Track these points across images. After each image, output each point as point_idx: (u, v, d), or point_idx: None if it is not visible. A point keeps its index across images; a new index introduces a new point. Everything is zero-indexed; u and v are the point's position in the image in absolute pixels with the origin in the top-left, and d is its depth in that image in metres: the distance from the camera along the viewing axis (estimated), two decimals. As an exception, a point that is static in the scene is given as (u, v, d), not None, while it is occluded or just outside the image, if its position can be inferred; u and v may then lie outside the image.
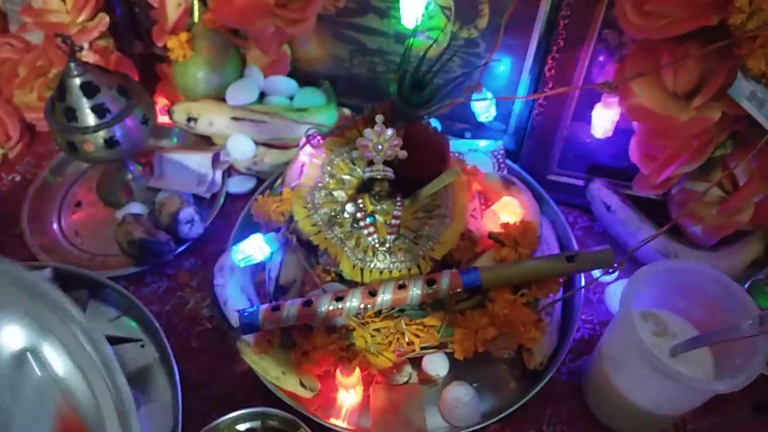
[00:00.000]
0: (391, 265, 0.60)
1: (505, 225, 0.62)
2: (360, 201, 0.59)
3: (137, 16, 0.87)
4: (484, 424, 0.61)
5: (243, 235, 0.69)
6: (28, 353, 0.49)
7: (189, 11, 0.80)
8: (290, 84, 0.86)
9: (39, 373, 0.49)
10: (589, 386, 0.63)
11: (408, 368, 0.65)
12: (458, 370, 0.65)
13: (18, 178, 0.85)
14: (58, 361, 0.49)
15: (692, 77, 0.60)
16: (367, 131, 0.56)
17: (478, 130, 0.82)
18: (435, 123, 0.81)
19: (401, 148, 0.56)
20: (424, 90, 0.58)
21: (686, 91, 0.61)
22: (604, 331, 0.61)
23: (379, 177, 0.57)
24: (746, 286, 0.65)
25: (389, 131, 0.56)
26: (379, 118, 0.56)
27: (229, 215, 0.80)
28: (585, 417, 0.64)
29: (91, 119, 0.70)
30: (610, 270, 0.60)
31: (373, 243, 0.60)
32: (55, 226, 0.80)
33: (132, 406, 0.49)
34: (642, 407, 0.57)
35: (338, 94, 0.87)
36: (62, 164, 0.85)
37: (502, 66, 0.76)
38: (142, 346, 0.69)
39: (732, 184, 0.67)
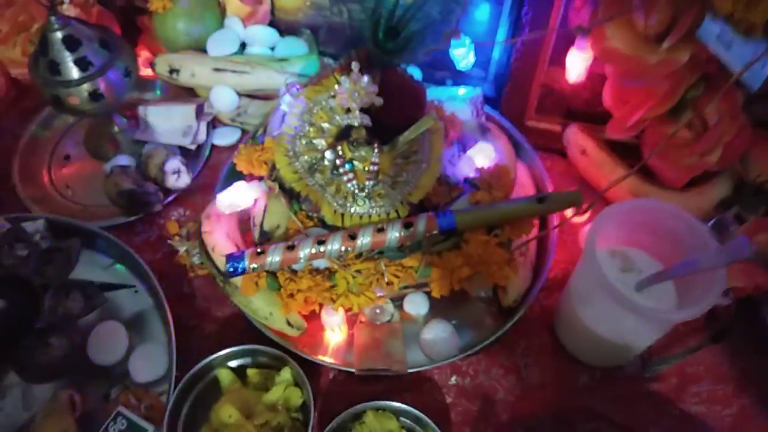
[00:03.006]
0: (371, 210, 0.62)
1: (479, 169, 0.64)
2: (339, 148, 0.61)
3: (117, -32, 0.87)
4: (461, 356, 0.64)
5: (229, 185, 0.72)
6: None
7: (168, -39, 0.80)
8: (271, 34, 0.86)
9: None
10: (560, 321, 0.67)
11: (390, 308, 0.68)
12: (437, 309, 0.68)
13: (6, 134, 0.87)
14: None
15: (662, 19, 0.61)
16: (344, 79, 0.57)
17: (459, 77, 0.83)
18: (415, 71, 0.82)
19: (377, 95, 0.58)
20: (399, 36, 0.59)
21: (657, 33, 0.62)
22: (572, 268, 0.64)
23: (357, 124, 0.58)
24: (712, 223, 0.67)
25: (365, 78, 0.57)
26: (354, 65, 0.57)
27: (215, 166, 0.82)
28: (556, 350, 0.68)
29: (74, 72, 0.71)
30: (581, 211, 0.62)
31: (352, 189, 0.62)
32: (45, 179, 0.82)
33: None
34: (608, 339, 0.61)
35: (319, 43, 0.87)
36: (49, 119, 0.87)
37: (480, 11, 0.76)
38: (136, 291, 0.72)
39: (702, 125, 0.69)
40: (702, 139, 0.68)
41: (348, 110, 0.59)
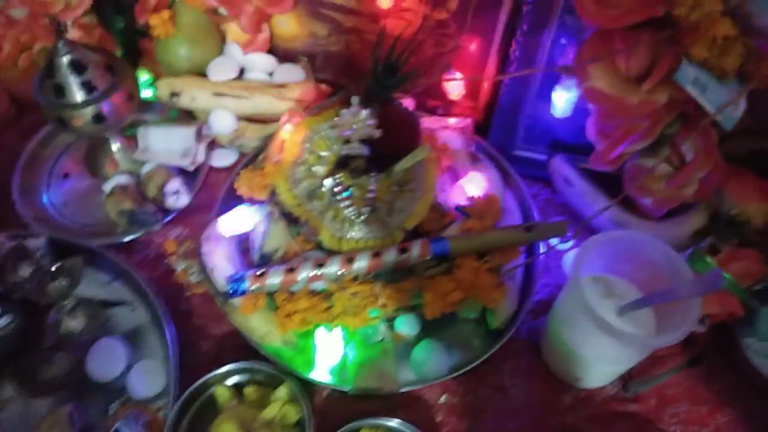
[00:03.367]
0: (367, 235, 0.65)
1: (471, 198, 0.68)
2: (338, 176, 0.64)
3: (119, -8, 0.90)
4: (450, 377, 0.67)
5: (227, 207, 0.74)
6: None
7: (171, -11, 0.83)
8: (269, 60, 0.89)
9: None
10: (545, 343, 0.70)
11: (382, 328, 0.71)
12: (428, 330, 0.70)
13: (6, 151, 0.88)
14: None
15: (643, 62, 0.65)
16: (344, 111, 0.61)
17: (449, 106, 0.87)
18: (408, 101, 0.85)
19: (376, 128, 0.61)
20: (397, 73, 0.63)
21: (637, 75, 0.67)
22: (558, 294, 0.67)
23: (356, 154, 0.62)
24: (688, 253, 0.71)
25: (364, 112, 0.60)
26: (354, 99, 0.60)
27: (212, 187, 0.84)
28: (541, 371, 0.71)
29: (79, 96, 0.73)
30: (566, 239, 0.66)
31: (350, 215, 0.65)
32: (44, 197, 0.84)
33: None
34: (590, 360, 0.64)
35: (316, 70, 0.90)
36: (49, 137, 0.89)
37: (471, 47, 0.80)
38: (133, 309, 0.74)
39: (680, 161, 0.73)
40: (679, 173, 0.72)
41: (347, 141, 0.62)
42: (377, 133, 0.61)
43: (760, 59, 0.63)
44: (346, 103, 0.61)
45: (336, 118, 0.61)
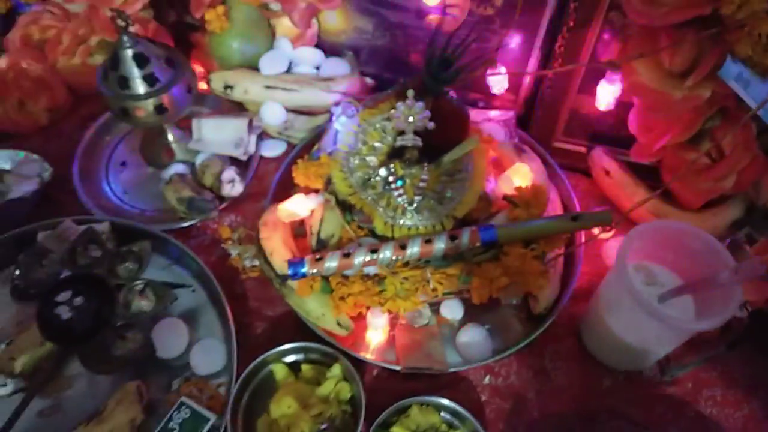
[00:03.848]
0: (418, 223, 0.68)
1: (518, 188, 0.71)
2: (392, 166, 0.67)
3: (172, -13, 0.93)
4: (495, 359, 0.70)
5: (280, 195, 0.78)
6: None
7: (225, -15, 0.86)
8: (317, 54, 0.92)
9: None
10: (586, 327, 0.73)
11: (427, 312, 0.74)
12: (471, 314, 0.74)
13: (66, 139, 0.92)
14: None
15: (687, 59, 0.68)
16: (399, 104, 0.64)
17: (490, 99, 0.90)
18: (451, 93, 0.88)
19: (429, 120, 0.64)
20: (450, 67, 0.65)
21: (681, 71, 0.69)
22: (602, 281, 0.70)
23: (410, 145, 0.65)
24: (727, 242, 0.73)
25: (419, 104, 0.63)
26: (410, 92, 0.63)
27: (263, 176, 0.88)
28: (581, 354, 0.74)
29: (141, 88, 0.77)
30: (608, 229, 0.69)
31: (402, 203, 0.68)
32: (104, 183, 0.88)
33: None
34: (631, 345, 0.67)
35: (361, 64, 0.93)
36: (106, 126, 0.93)
37: (515, 42, 0.83)
38: (193, 290, 0.78)
39: (719, 154, 0.75)
40: (718, 165, 0.74)
41: (402, 132, 0.65)
42: (431, 125, 0.64)
43: (803, 56, 0.65)
44: (402, 96, 0.64)
45: (392, 111, 0.64)
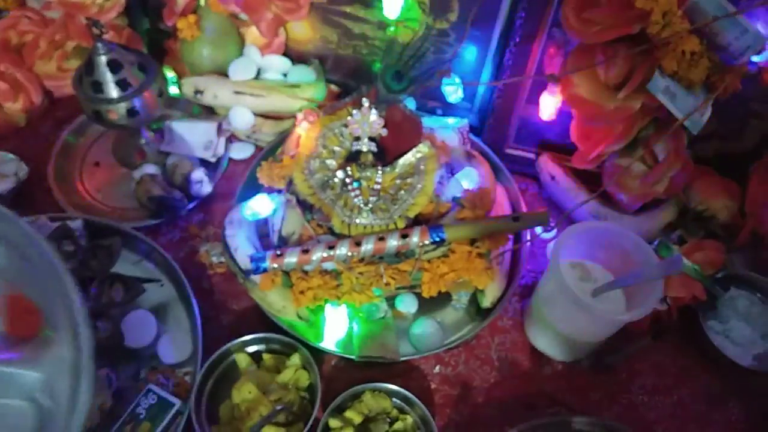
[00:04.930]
0: (373, 222, 0.73)
1: (466, 191, 0.76)
2: (348, 169, 0.72)
3: (146, -5, 0.98)
4: (444, 349, 0.76)
5: (246, 195, 0.82)
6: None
7: (196, -5, 0.91)
8: (284, 62, 0.97)
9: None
10: (529, 321, 0.79)
11: (384, 305, 0.79)
12: (424, 308, 0.79)
13: (41, 140, 0.96)
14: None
15: (620, 73, 0.74)
16: (355, 112, 0.69)
17: (448, 107, 0.95)
18: (411, 101, 0.93)
19: (383, 127, 0.69)
20: (403, 79, 0.71)
21: (615, 84, 0.75)
22: (540, 277, 0.76)
23: (365, 150, 0.70)
24: (656, 243, 0.80)
25: (374, 113, 0.69)
26: (365, 101, 0.68)
27: (231, 177, 0.93)
28: (525, 346, 0.79)
29: (114, 92, 0.81)
30: (548, 228, 0.74)
31: (358, 203, 0.73)
32: (78, 182, 0.92)
33: (66, 272, 0.55)
34: (568, 336, 0.73)
35: (326, 71, 0.98)
36: (80, 128, 0.96)
37: (469, 54, 0.88)
38: (162, 285, 0.82)
39: (653, 160, 0.82)
40: (652, 171, 0.80)
41: (358, 138, 0.71)
42: (384, 132, 0.69)
43: (724, 72, 0.72)
44: (358, 105, 0.69)
45: (348, 118, 0.69)
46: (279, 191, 0.78)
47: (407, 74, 0.70)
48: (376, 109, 0.69)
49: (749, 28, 0.66)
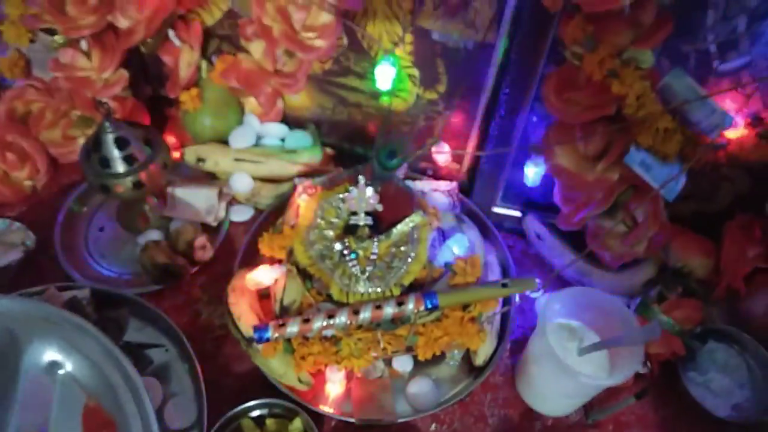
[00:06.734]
0: (370, 290, 0.77)
1: (457, 258, 0.81)
2: (346, 240, 0.77)
3: (147, 66, 1.02)
4: (440, 409, 0.79)
5: (247, 259, 0.86)
6: (57, 364, 0.65)
7: (198, 69, 0.95)
8: (282, 128, 1.02)
9: (65, 377, 0.65)
10: (519, 378, 0.83)
11: (381, 365, 0.83)
12: (420, 367, 0.83)
13: (47, 207, 0.99)
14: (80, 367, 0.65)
15: (599, 147, 0.79)
16: (352, 188, 0.73)
17: (438, 169, 1.00)
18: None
19: (378, 202, 0.74)
20: (396, 156, 0.76)
21: (594, 155, 0.80)
22: (529, 333, 0.80)
23: (362, 224, 0.75)
24: (637, 301, 0.84)
25: (369, 189, 0.73)
26: (361, 178, 0.73)
27: (232, 239, 0.96)
28: (516, 402, 0.83)
29: (121, 167, 0.85)
30: (536, 289, 0.79)
31: (356, 272, 0.77)
32: (83, 249, 0.95)
33: (142, 387, 0.62)
34: (555, 395, 0.77)
35: (322, 135, 1.03)
36: (85, 195, 1.00)
37: (457, 121, 0.93)
38: (166, 350, 0.85)
39: (632, 222, 0.86)
40: (632, 233, 0.85)
41: (354, 213, 0.75)
42: (379, 207, 0.74)
43: (696, 144, 0.77)
44: (355, 181, 0.74)
45: (345, 194, 0.74)
46: (280, 261, 0.82)
47: (399, 153, 0.75)
48: (371, 185, 0.73)
49: (717, 109, 0.72)
